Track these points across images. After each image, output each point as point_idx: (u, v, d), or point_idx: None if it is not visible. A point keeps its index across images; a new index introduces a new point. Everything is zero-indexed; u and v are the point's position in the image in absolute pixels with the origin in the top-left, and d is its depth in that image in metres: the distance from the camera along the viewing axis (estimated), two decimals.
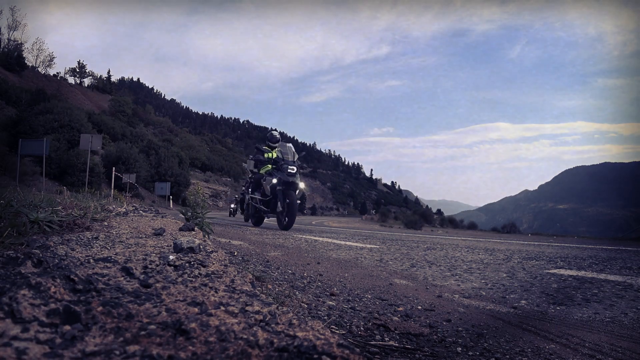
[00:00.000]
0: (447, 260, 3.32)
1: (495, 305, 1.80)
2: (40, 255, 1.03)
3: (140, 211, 5.25)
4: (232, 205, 19.81)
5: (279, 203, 6.28)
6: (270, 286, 1.76)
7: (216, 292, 0.86)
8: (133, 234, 1.97)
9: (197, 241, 1.47)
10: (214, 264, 1.22)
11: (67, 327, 0.59)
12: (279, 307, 0.77)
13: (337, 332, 1.24)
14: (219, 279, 1.00)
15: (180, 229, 2.44)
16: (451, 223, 31.23)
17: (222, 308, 0.73)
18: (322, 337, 0.61)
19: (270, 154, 7.06)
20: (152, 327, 0.62)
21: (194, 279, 0.98)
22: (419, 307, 1.69)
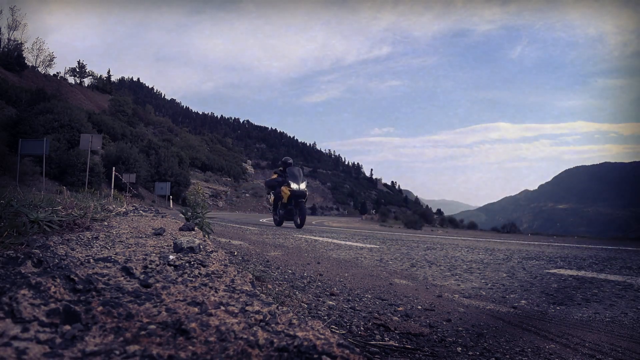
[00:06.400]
0: (447, 260, 3.31)
1: (495, 305, 1.80)
2: (40, 255, 1.03)
3: (140, 211, 5.25)
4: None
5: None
6: (270, 286, 1.76)
7: (216, 292, 0.86)
8: (133, 234, 1.97)
9: (197, 241, 1.47)
10: (214, 263, 1.22)
11: (67, 327, 0.59)
12: (279, 307, 0.76)
13: (337, 332, 1.24)
14: (219, 279, 1.00)
15: (180, 229, 2.44)
16: (451, 223, 31.19)
17: (222, 308, 0.73)
18: (322, 337, 0.61)
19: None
20: (152, 327, 0.62)
21: (194, 279, 0.98)
22: (419, 307, 1.69)
